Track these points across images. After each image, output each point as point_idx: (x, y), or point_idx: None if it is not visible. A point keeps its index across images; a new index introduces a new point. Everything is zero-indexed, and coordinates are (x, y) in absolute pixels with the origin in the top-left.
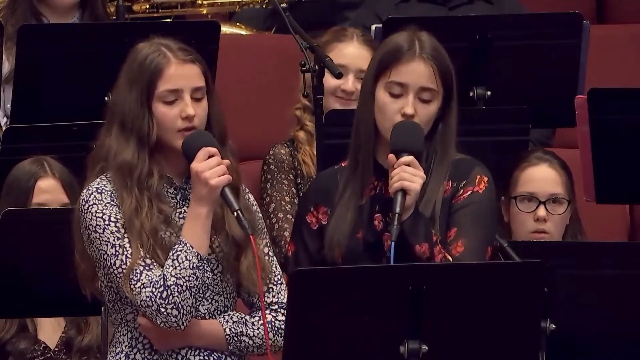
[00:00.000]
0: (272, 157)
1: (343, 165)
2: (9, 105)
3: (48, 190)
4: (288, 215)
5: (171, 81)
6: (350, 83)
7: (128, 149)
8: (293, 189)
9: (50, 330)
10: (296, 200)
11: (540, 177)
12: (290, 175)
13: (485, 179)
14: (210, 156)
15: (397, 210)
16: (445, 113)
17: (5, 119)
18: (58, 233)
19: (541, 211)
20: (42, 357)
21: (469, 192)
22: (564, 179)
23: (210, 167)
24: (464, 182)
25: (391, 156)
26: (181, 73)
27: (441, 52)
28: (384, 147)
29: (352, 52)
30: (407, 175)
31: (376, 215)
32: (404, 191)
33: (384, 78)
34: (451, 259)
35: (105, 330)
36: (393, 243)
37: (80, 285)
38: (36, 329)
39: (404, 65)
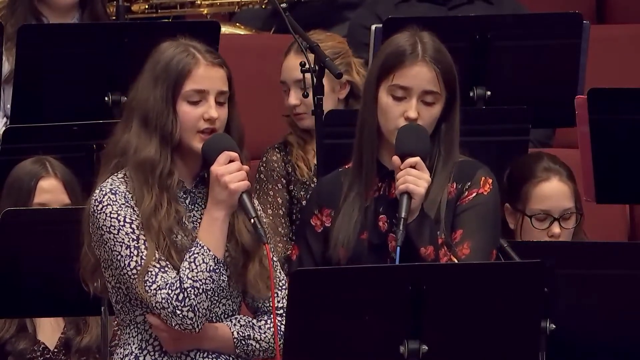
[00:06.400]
0: (264, 165)
1: (347, 167)
2: (9, 105)
3: (49, 190)
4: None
5: (199, 82)
6: (292, 97)
7: (150, 145)
8: (279, 199)
9: (49, 330)
10: (281, 212)
11: (553, 193)
12: (279, 185)
13: (490, 180)
14: (230, 161)
15: (403, 214)
16: (448, 114)
17: (5, 119)
18: (58, 233)
19: (556, 228)
20: (42, 358)
21: (474, 194)
22: (573, 189)
23: (231, 171)
24: (469, 183)
25: (395, 158)
26: (209, 75)
27: (444, 54)
28: (388, 148)
29: (288, 65)
30: (412, 178)
31: (381, 217)
32: (409, 194)
33: (387, 81)
34: (457, 262)
35: (105, 331)
36: (398, 248)
37: (82, 280)
38: (35, 329)
39: (406, 69)
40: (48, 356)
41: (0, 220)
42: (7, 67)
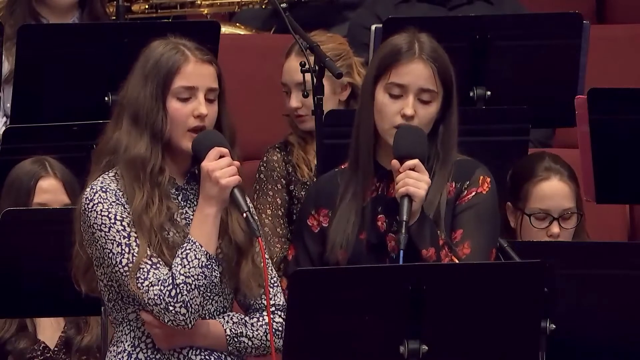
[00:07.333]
0: (264, 165)
1: (343, 167)
2: (9, 105)
3: (49, 191)
4: (266, 228)
5: (188, 78)
6: (293, 100)
7: (141, 143)
8: (278, 199)
9: (49, 330)
10: (280, 212)
11: (553, 193)
12: (278, 185)
13: (488, 179)
14: (221, 156)
15: (404, 217)
16: (446, 114)
17: (5, 119)
18: (58, 233)
19: (555, 228)
20: (42, 357)
21: (473, 193)
22: (573, 189)
23: (221, 167)
24: (467, 183)
25: (394, 162)
26: (199, 72)
27: (441, 53)
28: (384, 148)
29: (289, 67)
30: (412, 181)
31: (379, 216)
32: (410, 197)
33: (384, 79)
34: (458, 262)
35: (105, 330)
36: (402, 251)
37: (74, 280)
38: (35, 328)
39: (403, 66)
40: (48, 355)
41: (0, 220)
42: (7, 67)
